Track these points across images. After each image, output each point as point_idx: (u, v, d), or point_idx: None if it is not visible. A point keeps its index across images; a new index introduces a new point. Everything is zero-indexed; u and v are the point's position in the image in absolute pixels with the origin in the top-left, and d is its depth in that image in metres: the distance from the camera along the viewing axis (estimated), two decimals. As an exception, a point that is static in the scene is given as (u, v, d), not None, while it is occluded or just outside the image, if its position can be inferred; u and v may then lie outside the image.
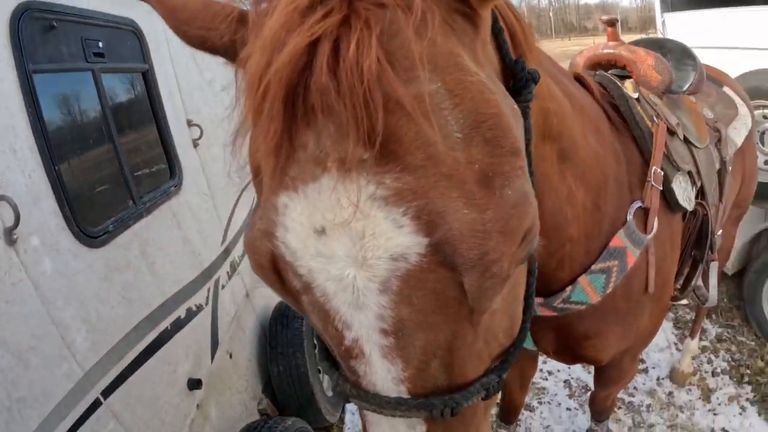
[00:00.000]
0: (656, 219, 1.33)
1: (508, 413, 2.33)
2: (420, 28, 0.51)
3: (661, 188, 1.34)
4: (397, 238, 0.51)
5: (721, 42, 3.31)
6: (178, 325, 2.03)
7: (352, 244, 0.52)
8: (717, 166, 1.77)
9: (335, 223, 0.52)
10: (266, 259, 0.58)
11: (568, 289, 1.26)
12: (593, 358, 1.50)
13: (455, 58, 0.54)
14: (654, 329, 1.54)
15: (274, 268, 0.59)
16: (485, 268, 0.51)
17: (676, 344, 3.38)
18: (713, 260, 1.74)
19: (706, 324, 3.59)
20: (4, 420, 1.22)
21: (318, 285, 0.56)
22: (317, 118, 0.50)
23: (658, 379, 3.15)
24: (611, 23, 1.67)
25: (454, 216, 0.50)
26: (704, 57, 3.44)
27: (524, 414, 2.98)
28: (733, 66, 2.87)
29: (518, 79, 0.71)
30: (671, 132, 1.45)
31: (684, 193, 1.43)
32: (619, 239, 1.28)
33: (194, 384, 2.06)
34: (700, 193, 1.57)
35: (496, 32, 0.71)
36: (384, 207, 0.50)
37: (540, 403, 3.05)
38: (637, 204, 1.31)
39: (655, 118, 1.40)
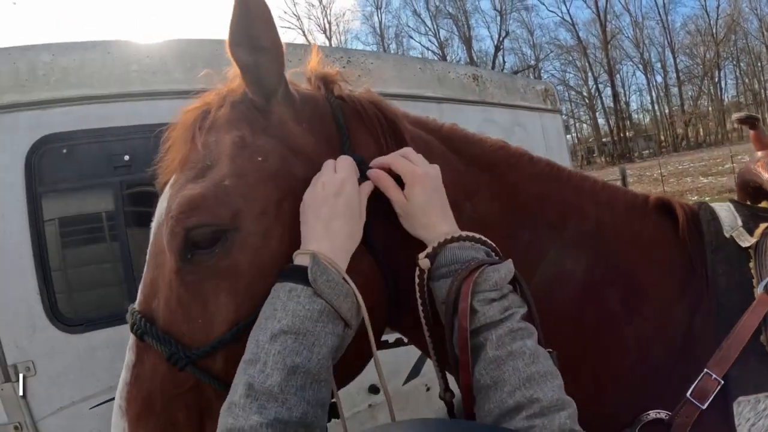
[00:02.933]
0: None
1: None
2: (215, 116, 0.94)
3: (704, 406, 0.86)
4: (163, 205, 0.90)
5: None
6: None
7: (160, 211, 0.91)
8: None
9: (163, 197, 0.92)
10: None
11: None
12: None
13: (231, 128, 0.92)
14: None
15: None
16: (169, 224, 0.83)
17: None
18: None
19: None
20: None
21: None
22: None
23: None
24: (751, 124, 1.10)
25: (178, 194, 0.86)
26: None
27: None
28: None
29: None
30: None
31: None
32: None
33: (374, 389, 2.79)
34: None
35: (338, 130, 0.98)
36: (172, 187, 0.91)
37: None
38: (656, 414, 0.88)
39: (761, 288, 0.90)
